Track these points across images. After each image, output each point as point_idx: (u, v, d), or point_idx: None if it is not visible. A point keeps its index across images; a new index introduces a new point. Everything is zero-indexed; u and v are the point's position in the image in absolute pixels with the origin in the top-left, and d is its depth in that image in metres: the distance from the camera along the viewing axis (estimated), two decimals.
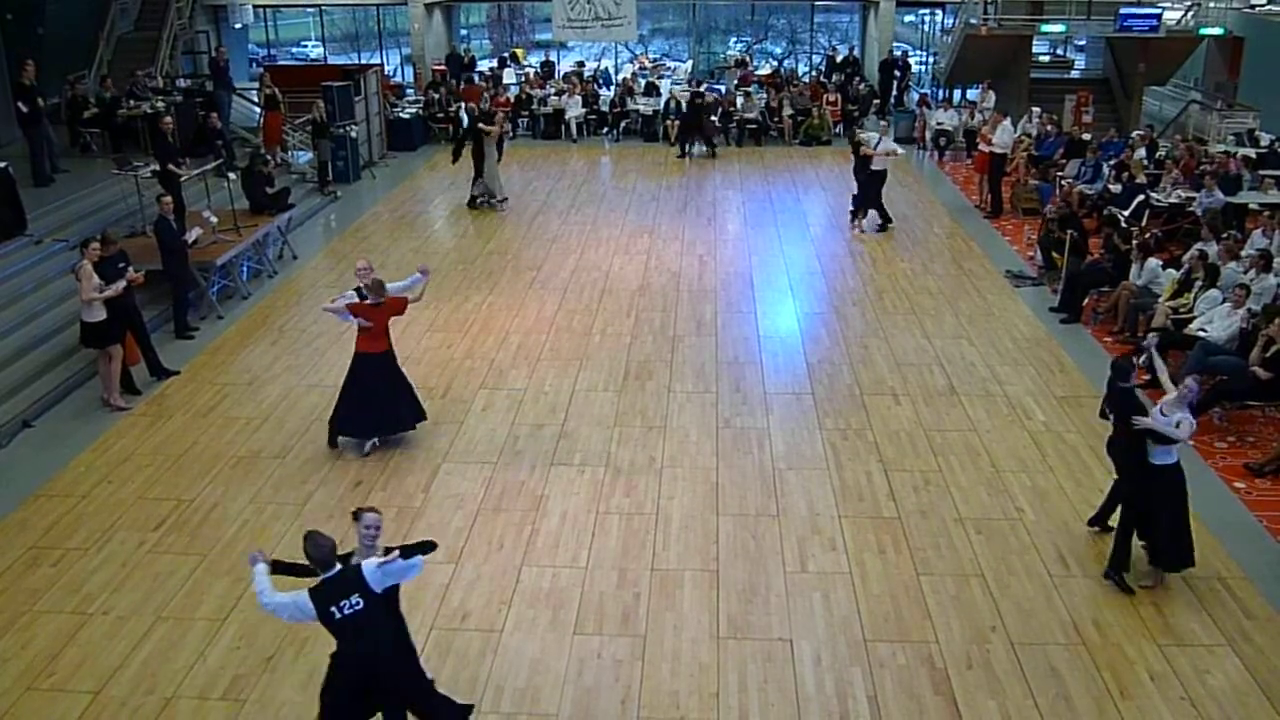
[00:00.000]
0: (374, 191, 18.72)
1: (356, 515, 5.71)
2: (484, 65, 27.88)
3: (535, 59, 29.48)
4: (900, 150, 16.49)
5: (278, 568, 5.65)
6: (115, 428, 9.78)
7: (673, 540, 7.96)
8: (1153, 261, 11.88)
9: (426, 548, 5.58)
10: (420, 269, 9.71)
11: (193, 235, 11.54)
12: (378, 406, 9.16)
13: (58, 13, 18.42)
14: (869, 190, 15.94)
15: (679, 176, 19.71)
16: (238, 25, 25.76)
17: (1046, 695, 6.35)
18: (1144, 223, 14.20)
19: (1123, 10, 20.96)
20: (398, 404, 9.31)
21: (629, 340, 11.78)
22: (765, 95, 23.50)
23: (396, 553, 5.39)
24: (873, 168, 15.78)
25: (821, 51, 29.37)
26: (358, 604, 5.26)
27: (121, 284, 9.96)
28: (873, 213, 16.03)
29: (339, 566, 5.35)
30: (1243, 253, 11.68)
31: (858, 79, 24.79)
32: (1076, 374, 10.86)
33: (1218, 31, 22.18)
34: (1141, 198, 14.63)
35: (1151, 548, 7.34)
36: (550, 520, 8.24)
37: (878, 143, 15.77)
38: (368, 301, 8.91)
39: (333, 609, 5.25)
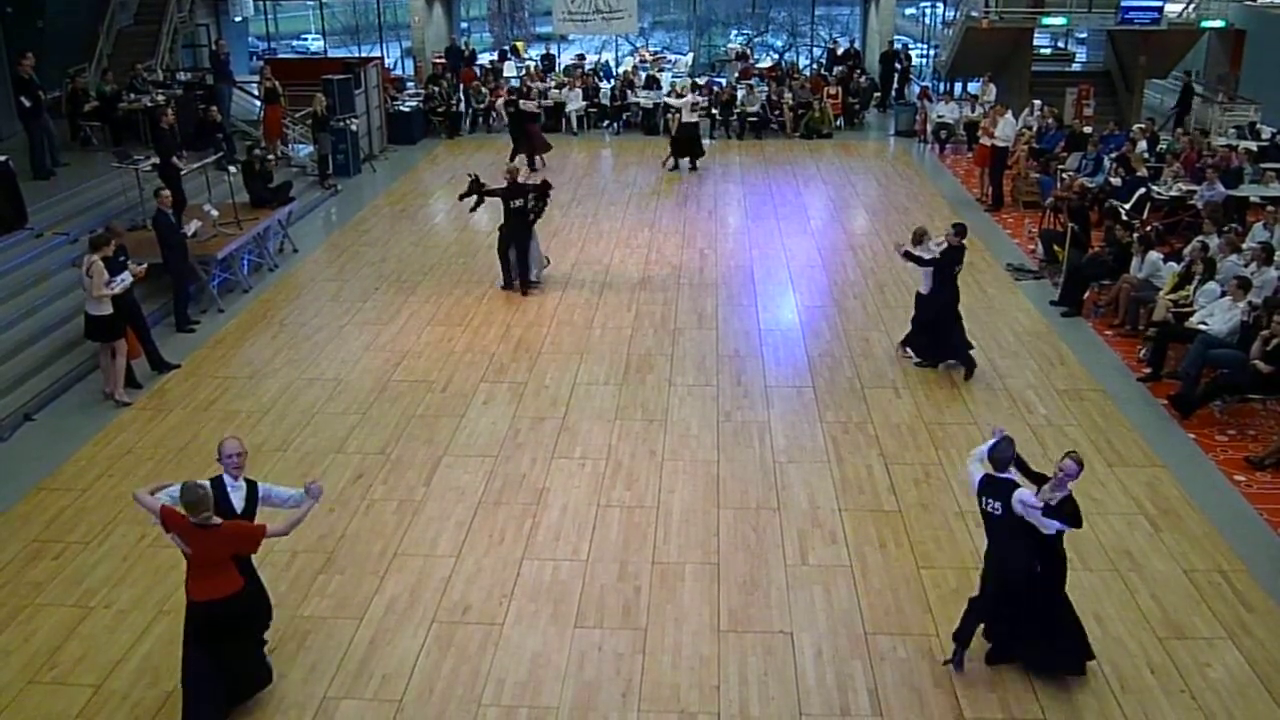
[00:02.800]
0: (374, 185, 18.71)
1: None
2: (484, 58, 27.86)
3: (536, 52, 29.41)
4: (699, 100, 19.85)
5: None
6: (116, 421, 9.79)
7: (673, 533, 7.96)
8: (1154, 255, 11.86)
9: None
10: (310, 488, 6.18)
11: (191, 228, 11.56)
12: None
13: (58, 6, 18.40)
14: (693, 145, 19.38)
15: (680, 170, 19.69)
16: (238, 18, 25.74)
17: (1047, 689, 6.36)
18: (1145, 216, 14.19)
19: (1124, 3, 20.92)
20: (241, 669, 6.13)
21: (629, 334, 11.77)
22: (766, 88, 23.47)
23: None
24: (684, 120, 19.47)
25: (822, 44, 29.32)
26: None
27: (130, 279, 9.99)
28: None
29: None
30: (1243, 245, 11.67)
31: (859, 72, 24.74)
32: (1077, 367, 10.86)
33: (1219, 24, 22.15)
34: (1142, 191, 14.61)
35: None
36: (551, 513, 8.25)
37: (683, 100, 19.70)
38: (191, 519, 5.64)
39: None
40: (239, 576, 5.85)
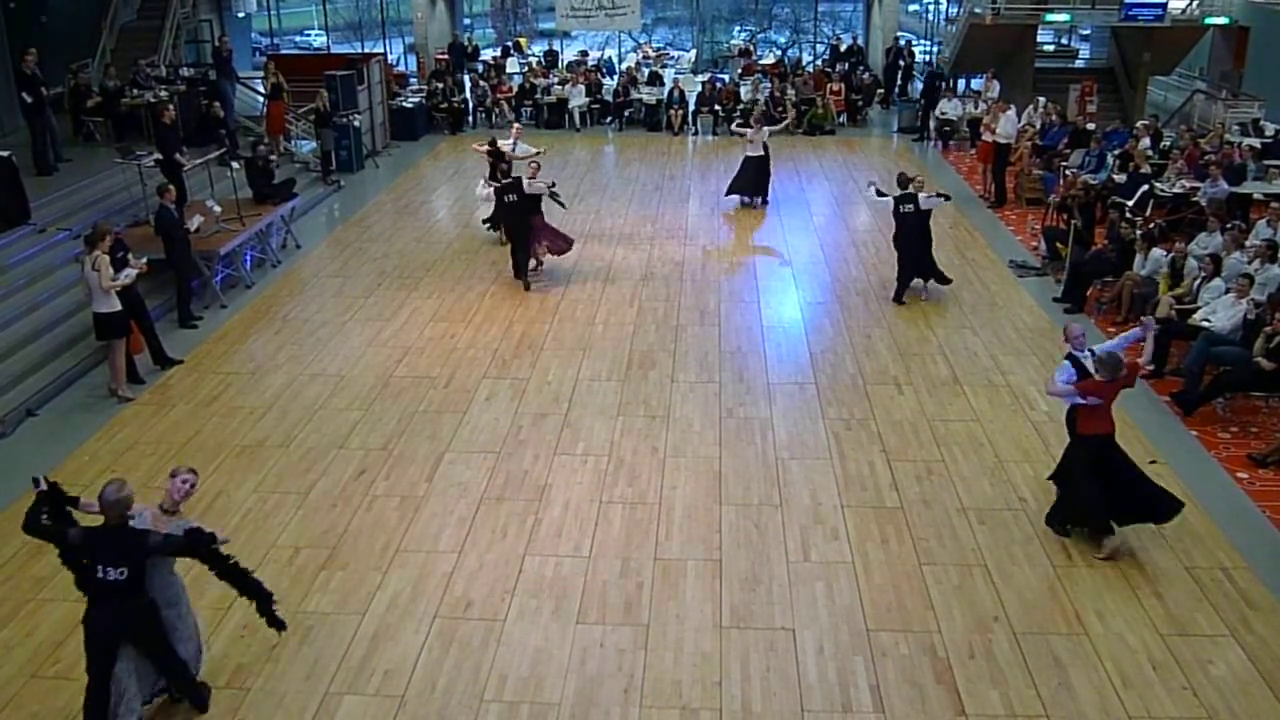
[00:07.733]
0: (377, 181, 18.71)
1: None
2: (487, 54, 27.85)
3: (539, 48, 29.42)
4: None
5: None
6: (119, 417, 9.80)
7: (675, 530, 7.97)
8: (1157, 251, 11.85)
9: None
10: None
11: (194, 224, 11.58)
12: None
13: (60, 2, 18.41)
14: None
15: (682, 166, 19.70)
16: (241, 14, 25.76)
17: (1048, 685, 6.36)
18: (1148, 213, 14.17)
19: (1127, 0, 20.89)
20: None
21: (632, 330, 11.77)
22: (769, 85, 23.44)
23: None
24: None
25: (825, 40, 29.29)
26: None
27: (134, 272, 10.00)
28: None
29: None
30: (1247, 242, 11.65)
31: (861, 68, 24.72)
32: None
33: (1223, 21, 22.09)
34: (1145, 188, 14.59)
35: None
36: (553, 509, 8.25)
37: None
38: (1104, 379, 7.67)
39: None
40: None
